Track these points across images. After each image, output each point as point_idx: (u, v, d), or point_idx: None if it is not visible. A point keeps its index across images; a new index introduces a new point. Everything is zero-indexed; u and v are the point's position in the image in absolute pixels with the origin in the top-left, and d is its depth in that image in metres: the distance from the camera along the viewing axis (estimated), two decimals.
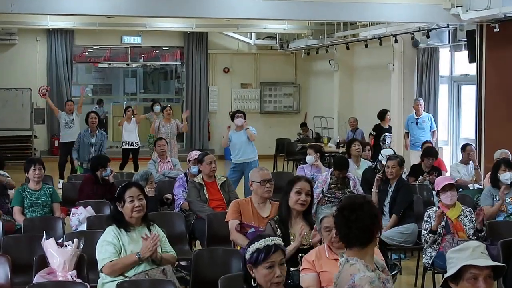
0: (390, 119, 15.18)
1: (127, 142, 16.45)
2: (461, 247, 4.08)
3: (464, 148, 12.01)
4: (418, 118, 15.03)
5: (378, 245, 4.74)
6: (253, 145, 12.90)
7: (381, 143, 14.92)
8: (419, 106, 15.16)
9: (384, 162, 9.88)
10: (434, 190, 10.23)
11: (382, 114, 15.23)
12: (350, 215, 4.46)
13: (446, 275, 3.95)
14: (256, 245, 4.48)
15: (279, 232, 6.07)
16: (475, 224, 7.78)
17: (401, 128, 16.01)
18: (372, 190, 9.40)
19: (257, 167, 7.25)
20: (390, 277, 4.56)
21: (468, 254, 3.98)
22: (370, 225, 4.44)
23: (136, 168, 15.87)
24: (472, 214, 7.89)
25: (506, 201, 8.86)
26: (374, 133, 15.58)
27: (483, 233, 7.63)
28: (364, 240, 4.46)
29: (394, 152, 11.66)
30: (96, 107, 21.29)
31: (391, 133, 14.71)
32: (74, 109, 16.14)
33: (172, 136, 14.90)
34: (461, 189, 9.88)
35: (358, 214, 4.45)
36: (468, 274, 3.91)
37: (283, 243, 4.68)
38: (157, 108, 16.70)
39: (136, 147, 16.52)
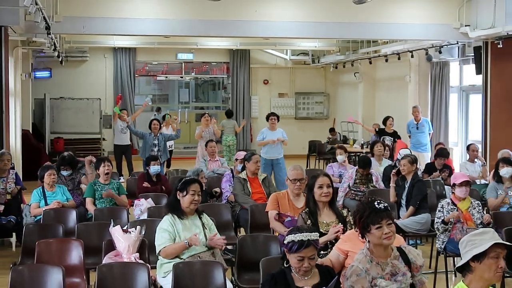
0: (392, 125, 15.06)
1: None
2: (482, 231, 4.04)
3: (468, 147, 12.02)
4: (417, 123, 14.94)
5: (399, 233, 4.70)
6: (280, 146, 13.04)
7: None
8: (418, 113, 15.07)
9: None
10: (446, 185, 10.26)
11: (385, 120, 15.13)
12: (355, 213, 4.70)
13: (470, 255, 3.89)
14: (292, 237, 4.49)
15: (309, 222, 6.00)
16: (482, 216, 7.76)
17: None
18: (390, 185, 9.38)
19: (293, 165, 7.16)
20: (407, 269, 4.58)
21: (490, 236, 3.95)
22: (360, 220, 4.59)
23: (168, 165, 15.88)
24: (479, 206, 7.84)
25: (509, 194, 8.85)
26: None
27: (490, 226, 7.58)
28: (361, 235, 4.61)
29: (411, 151, 11.62)
30: (155, 114, 21.44)
31: (392, 136, 14.58)
32: (127, 117, 16.15)
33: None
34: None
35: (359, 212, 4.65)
36: (493, 253, 3.87)
37: (318, 238, 4.68)
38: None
39: (170, 150, 16.29)
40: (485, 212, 8.09)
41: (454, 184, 7.86)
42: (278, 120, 13.41)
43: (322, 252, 5.53)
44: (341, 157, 11.35)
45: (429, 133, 15.22)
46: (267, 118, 13.54)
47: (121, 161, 15.82)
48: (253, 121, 23.56)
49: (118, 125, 15.94)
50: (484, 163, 12.26)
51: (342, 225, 5.90)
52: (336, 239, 5.63)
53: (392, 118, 15.18)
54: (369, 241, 4.60)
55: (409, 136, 15.01)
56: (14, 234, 9.72)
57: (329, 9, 13.41)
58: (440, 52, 15.90)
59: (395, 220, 6.11)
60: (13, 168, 10.38)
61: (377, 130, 15.42)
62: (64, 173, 9.74)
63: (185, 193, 6.03)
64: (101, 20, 13.03)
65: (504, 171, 8.90)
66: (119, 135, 16.01)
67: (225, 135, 16.49)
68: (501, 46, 13.39)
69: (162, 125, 15.72)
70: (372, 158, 11.05)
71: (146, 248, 6.43)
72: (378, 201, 4.67)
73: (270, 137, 13.05)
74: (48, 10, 10.97)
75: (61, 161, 9.99)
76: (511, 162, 9.08)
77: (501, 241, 3.94)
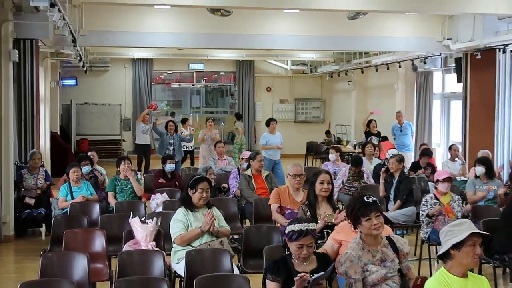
0: (375, 126, 15.04)
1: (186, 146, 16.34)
2: (460, 222, 4.06)
3: (450, 148, 12.07)
4: (401, 126, 14.96)
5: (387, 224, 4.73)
6: (279, 150, 13.24)
7: None
8: (401, 117, 15.09)
9: None
10: (429, 181, 10.27)
11: (369, 123, 15.14)
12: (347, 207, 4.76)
13: (450, 243, 3.91)
14: (292, 227, 4.50)
15: (308, 213, 6.03)
16: (462, 209, 7.78)
17: None
18: (380, 181, 9.40)
19: (292, 163, 7.18)
20: (395, 256, 4.59)
21: (467, 226, 3.96)
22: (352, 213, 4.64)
23: (192, 163, 15.95)
24: (459, 200, 7.86)
25: (485, 188, 8.85)
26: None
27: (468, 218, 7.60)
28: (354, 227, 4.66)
29: (398, 151, 11.64)
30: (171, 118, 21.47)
31: (377, 136, 14.58)
32: (149, 120, 16.19)
33: (211, 142, 14.38)
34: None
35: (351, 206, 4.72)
36: (470, 241, 3.88)
37: (315, 228, 4.69)
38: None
39: (191, 150, 16.40)
40: (464, 206, 8.10)
41: (437, 180, 7.86)
42: (276, 123, 13.57)
43: (319, 241, 5.54)
44: (332, 155, 11.41)
45: (411, 135, 15.28)
46: (268, 123, 13.61)
47: (142, 159, 15.84)
48: (257, 125, 23.54)
49: (141, 126, 15.96)
50: (463, 161, 12.27)
51: (339, 212, 5.89)
52: (332, 229, 5.65)
53: (375, 121, 15.19)
54: (360, 231, 4.63)
55: (394, 138, 15.00)
56: (43, 224, 9.79)
57: (325, 24, 13.40)
58: (424, 63, 15.89)
59: (384, 212, 6.14)
60: (43, 165, 10.42)
61: (365, 132, 15.40)
62: (84, 170, 9.70)
63: (194, 190, 6.05)
64: (121, 34, 13.06)
65: (478, 169, 8.94)
66: (140, 135, 16.00)
67: (238, 136, 16.58)
68: (480, 57, 13.40)
69: (180, 127, 15.86)
70: (363, 158, 11.08)
71: (162, 237, 6.42)
72: (368, 195, 4.71)
73: (271, 139, 13.15)
74: (74, 25, 11.00)
75: (79, 159, 10.03)
76: (484, 162, 9.10)
77: (477, 230, 3.95)
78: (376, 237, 4.60)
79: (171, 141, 13.99)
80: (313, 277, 4.24)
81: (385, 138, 14.63)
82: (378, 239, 4.61)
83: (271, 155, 12.97)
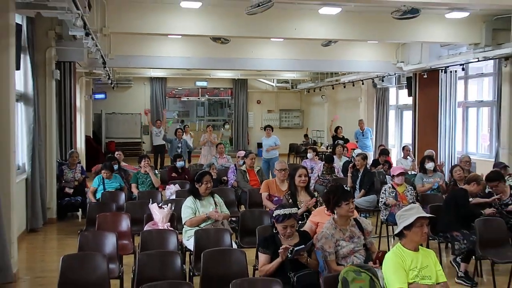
0: (341, 132, 14.98)
1: None
2: (409, 207, 4.06)
3: (403, 148, 12.06)
4: (363, 132, 14.98)
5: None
6: (277, 150, 13.15)
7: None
8: (362, 124, 15.14)
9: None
10: (387, 175, 10.28)
11: (336, 129, 15.12)
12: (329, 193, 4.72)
13: (402, 225, 3.90)
14: (279, 211, 4.50)
15: (290, 201, 6.01)
16: (414, 197, 7.81)
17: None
18: (348, 175, 9.39)
19: (278, 160, 7.18)
20: (361, 234, 4.57)
21: (416, 211, 3.96)
22: (334, 198, 4.60)
23: (189, 161, 15.66)
24: (412, 190, 7.86)
25: (431, 181, 8.86)
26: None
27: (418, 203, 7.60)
28: (331, 209, 4.64)
29: (362, 151, 11.64)
30: (179, 125, 21.37)
31: (343, 140, 14.48)
32: (161, 125, 16.14)
33: (210, 144, 14.24)
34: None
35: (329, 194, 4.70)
36: (418, 223, 3.87)
37: (297, 212, 4.69)
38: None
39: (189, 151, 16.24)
40: (415, 194, 8.10)
41: (393, 175, 7.88)
42: (272, 130, 13.49)
43: (300, 222, 5.54)
44: (310, 154, 11.37)
45: (371, 138, 15.31)
46: (264, 129, 13.68)
47: (158, 157, 15.78)
48: (249, 130, 23.63)
49: (153, 131, 15.90)
50: (413, 159, 12.26)
51: (314, 199, 5.93)
52: (310, 212, 5.64)
53: (341, 127, 15.19)
54: (336, 214, 4.61)
55: (356, 141, 15.01)
56: (80, 209, 9.75)
57: (304, 50, 13.44)
58: (382, 81, 15.96)
59: None
60: (79, 162, 10.37)
61: (332, 136, 15.37)
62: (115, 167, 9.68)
63: (200, 183, 6.03)
64: (142, 58, 13.06)
65: (429, 165, 8.92)
66: (155, 138, 15.97)
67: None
68: (426, 77, 13.50)
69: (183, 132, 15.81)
70: (334, 156, 11.06)
71: (175, 220, 6.39)
72: (345, 185, 4.76)
73: (266, 142, 13.13)
74: (104, 50, 10.96)
75: (108, 159, 9.97)
76: (432, 158, 9.12)
77: (423, 214, 3.95)
78: (347, 218, 4.60)
79: (179, 145, 14.04)
80: (295, 249, 4.24)
81: (347, 141, 14.63)
82: (347, 221, 4.61)
83: (268, 155, 12.91)
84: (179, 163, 9.98)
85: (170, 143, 14.39)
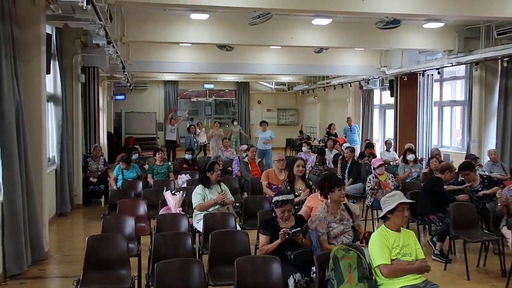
0: (334, 128, 14.98)
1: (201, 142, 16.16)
2: (392, 194, 4.07)
3: (385, 142, 12.04)
4: (350, 128, 14.95)
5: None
6: (270, 143, 13.13)
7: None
8: (350, 121, 15.10)
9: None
10: (372, 166, 10.27)
11: (330, 125, 15.11)
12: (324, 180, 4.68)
13: (386, 209, 3.91)
14: (277, 198, 4.49)
15: (289, 188, 6.02)
16: (396, 184, 7.80)
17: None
18: (338, 166, 9.38)
19: (277, 152, 7.18)
20: (350, 217, 4.56)
21: (398, 197, 3.97)
22: (329, 184, 4.56)
23: (205, 154, 15.75)
24: (393, 178, 7.86)
25: (412, 171, 8.87)
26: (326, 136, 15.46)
27: (399, 189, 7.60)
28: (325, 194, 4.60)
29: (350, 145, 11.63)
30: (189, 122, 21.33)
31: (335, 136, 14.46)
32: (175, 123, 16.13)
33: (217, 138, 14.34)
34: (386, 165, 9.84)
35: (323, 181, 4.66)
36: (400, 207, 3.89)
37: (294, 198, 4.69)
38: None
39: (204, 144, 16.21)
40: (396, 183, 8.09)
41: (374, 168, 7.88)
42: (267, 125, 13.51)
43: (296, 206, 5.54)
44: (304, 148, 11.34)
45: (358, 134, 15.29)
46: (260, 124, 13.65)
47: (170, 151, 15.78)
48: (251, 127, 23.56)
49: (169, 127, 15.89)
50: (395, 152, 12.26)
51: (308, 190, 5.92)
52: (304, 199, 5.64)
53: (334, 124, 15.16)
54: (328, 199, 4.61)
55: (345, 136, 15.00)
56: (103, 196, 9.75)
57: (299, 56, 13.42)
58: (368, 83, 15.92)
59: None
60: (102, 155, 10.37)
61: (325, 133, 15.32)
62: (134, 156, 9.69)
63: (212, 171, 6.03)
64: (156, 63, 13.03)
65: (410, 156, 8.95)
66: (169, 134, 15.97)
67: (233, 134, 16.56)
68: (406, 79, 13.48)
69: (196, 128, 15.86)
70: (326, 149, 11.07)
71: (186, 205, 6.38)
72: (338, 174, 4.77)
73: (262, 136, 13.09)
74: (123, 57, 10.95)
75: (128, 150, 10.00)
76: (413, 151, 9.12)
77: (404, 200, 3.96)
78: (338, 203, 4.60)
79: (195, 140, 14.33)
80: (292, 231, 4.25)
81: (336, 136, 14.59)
82: (338, 205, 4.61)
83: (264, 147, 12.92)
84: (188, 156, 9.97)
85: (188, 139, 14.59)
